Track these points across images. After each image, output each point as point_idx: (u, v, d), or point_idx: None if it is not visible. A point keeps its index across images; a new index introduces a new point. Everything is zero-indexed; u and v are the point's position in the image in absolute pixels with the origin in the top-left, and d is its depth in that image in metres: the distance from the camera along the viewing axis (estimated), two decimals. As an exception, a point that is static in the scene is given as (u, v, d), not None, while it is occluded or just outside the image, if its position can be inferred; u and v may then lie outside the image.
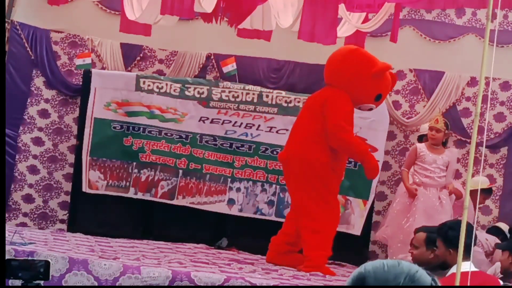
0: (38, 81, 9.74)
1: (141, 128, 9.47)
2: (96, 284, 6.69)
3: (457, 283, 3.63)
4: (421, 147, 9.03)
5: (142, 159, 9.50)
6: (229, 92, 9.44)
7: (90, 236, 8.78)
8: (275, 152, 9.21)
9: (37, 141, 9.73)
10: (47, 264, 4.22)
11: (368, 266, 1.98)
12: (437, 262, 5.16)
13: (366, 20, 8.25)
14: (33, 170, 9.71)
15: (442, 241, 4.94)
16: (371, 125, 9.29)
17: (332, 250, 7.92)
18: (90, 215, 9.53)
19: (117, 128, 9.47)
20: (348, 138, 7.82)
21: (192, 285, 6.68)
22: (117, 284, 6.68)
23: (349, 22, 8.12)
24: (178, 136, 9.48)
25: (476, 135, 3.65)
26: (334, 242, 7.90)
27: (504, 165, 9.56)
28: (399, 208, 8.98)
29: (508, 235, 8.66)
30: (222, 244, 9.21)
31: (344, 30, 8.29)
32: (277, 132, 9.37)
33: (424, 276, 1.95)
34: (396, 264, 1.96)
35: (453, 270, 4.83)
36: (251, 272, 7.41)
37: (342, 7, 7.66)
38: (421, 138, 9.40)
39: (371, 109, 8.24)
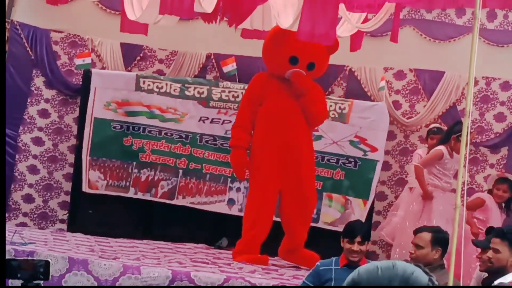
0: (38, 81, 9.74)
1: (141, 128, 9.46)
2: (96, 284, 6.69)
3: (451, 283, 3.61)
4: (446, 153, 8.71)
5: (142, 159, 9.50)
6: (229, 92, 9.43)
7: (90, 236, 8.78)
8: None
9: (37, 141, 9.73)
10: (47, 264, 4.21)
11: (362, 269, 1.95)
12: (496, 266, 5.09)
13: (366, 20, 8.23)
14: (33, 170, 9.71)
15: (508, 245, 4.88)
16: (371, 125, 9.29)
17: (332, 250, 7.91)
18: (90, 215, 9.52)
19: (117, 128, 9.46)
20: None
21: (192, 285, 6.69)
22: (116, 284, 6.69)
23: (349, 22, 8.10)
24: (178, 136, 9.47)
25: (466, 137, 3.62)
26: (334, 242, 7.89)
27: (505, 165, 9.55)
28: (417, 208, 8.79)
29: None
30: (222, 244, 9.21)
31: (344, 30, 8.28)
32: (277, 132, 9.36)
33: (420, 276, 1.90)
34: (391, 266, 1.92)
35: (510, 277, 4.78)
36: (251, 272, 7.40)
37: (342, 7, 7.63)
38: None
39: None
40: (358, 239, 5.63)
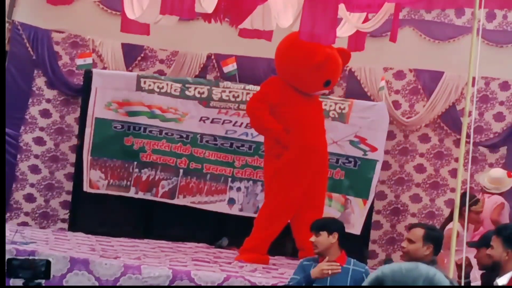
0: (40, 81, 9.76)
1: (142, 128, 9.48)
2: (96, 284, 6.71)
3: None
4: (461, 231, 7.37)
5: (142, 158, 9.52)
6: (230, 92, 9.45)
7: (91, 235, 8.81)
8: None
9: (39, 141, 9.75)
10: (48, 263, 4.24)
11: (386, 269, 1.97)
12: (489, 262, 5.11)
13: (366, 20, 8.25)
14: (34, 169, 9.73)
15: (501, 241, 4.88)
16: (371, 125, 9.31)
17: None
18: (91, 214, 9.54)
19: (118, 127, 9.48)
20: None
21: (192, 284, 6.71)
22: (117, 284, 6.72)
23: (349, 22, 8.12)
24: (178, 136, 9.49)
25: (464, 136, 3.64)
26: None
27: (503, 165, 9.56)
28: None
29: None
30: (222, 243, 9.23)
31: (344, 30, 8.29)
32: (277, 131, 9.38)
33: (442, 278, 1.93)
34: (414, 267, 1.95)
35: None
36: (252, 271, 7.43)
37: (342, 7, 7.65)
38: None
39: (324, 94, 8.78)
40: (313, 231, 5.61)
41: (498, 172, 8.81)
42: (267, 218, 8.29)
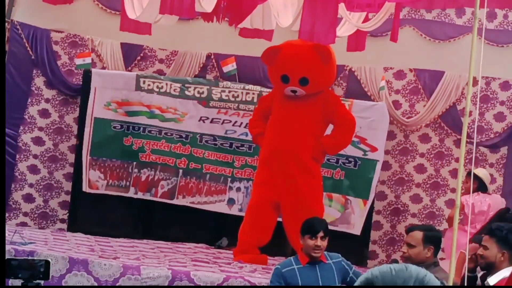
0: (39, 81, 9.74)
1: (141, 128, 9.47)
2: (95, 285, 6.69)
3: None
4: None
5: (142, 158, 9.50)
6: (229, 91, 9.43)
7: (90, 235, 8.79)
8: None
9: (38, 141, 9.73)
10: (47, 263, 4.21)
11: (375, 271, 1.96)
12: (486, 262, 5.08)
13: (366, 19, 8.23)
14: (33, 169, 9.71)
15: (496, 242, 4.85)
16: (371, 125, 9.28)
17: (331, 249, 7.91)
18: (90, 214, 9.52)
19: (117, 127, 9.47)
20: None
21: (191, 284, 6.69)
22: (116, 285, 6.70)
23: (349, 22, 8.10)
24: (178, 136, 9.48)
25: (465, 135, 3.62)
26: (333, 241, 7.89)
27: (504, 165, 9.54)
28: None
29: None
30: (222, 243, 9.21)
31: (344, 30, 8.27)
32: (277, 131, 9.36)
33: (433, 279, 1.92)
34: (404, 268, 1.93)
35: (503, 273, 4.75)
36: (251, 271, 7.41)
37: (342, 6, 7.63)
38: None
39: (294, 92, 8.21)
40: (320, 234, 5.56)
41: (482, 170, 8.79)
42: (245, 221, 8.37)
